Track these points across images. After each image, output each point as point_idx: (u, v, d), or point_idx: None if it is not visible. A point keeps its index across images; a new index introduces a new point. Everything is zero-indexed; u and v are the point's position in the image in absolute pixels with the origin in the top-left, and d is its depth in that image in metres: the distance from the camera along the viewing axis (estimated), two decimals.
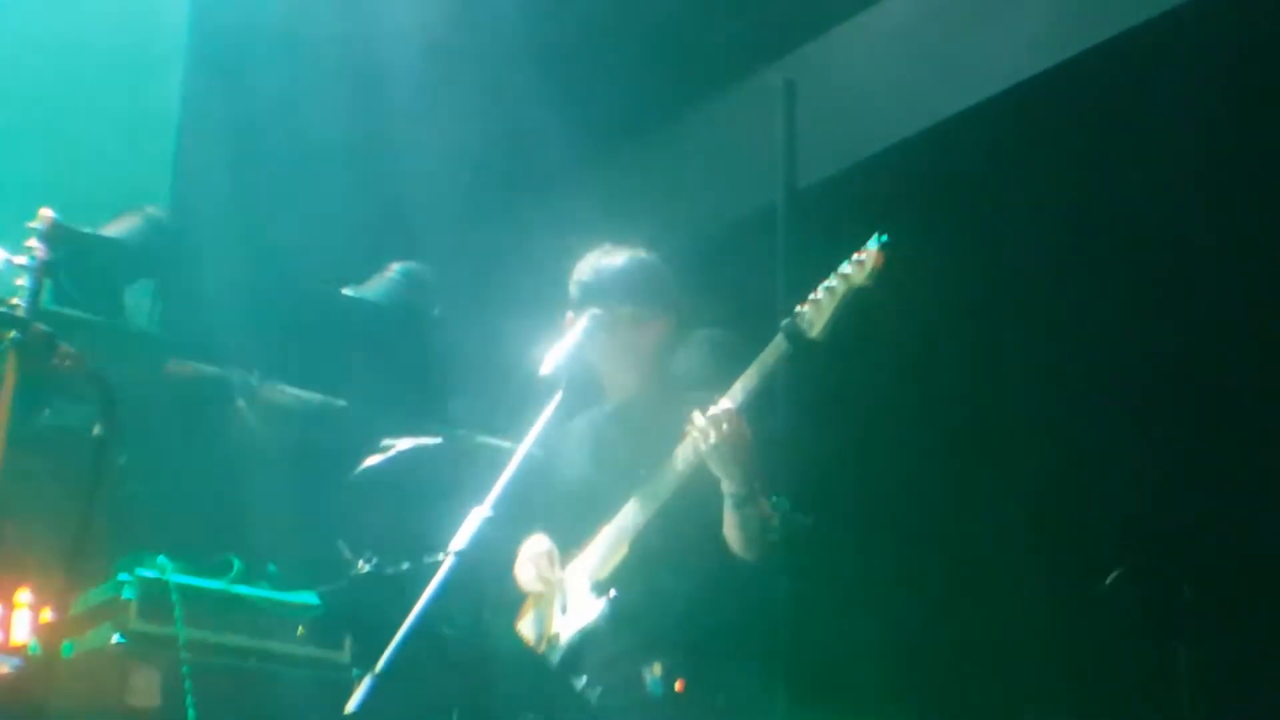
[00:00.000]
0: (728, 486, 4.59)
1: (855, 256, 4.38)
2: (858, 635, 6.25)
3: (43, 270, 5.50)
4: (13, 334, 5.16)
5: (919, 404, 6.49)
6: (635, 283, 4.96)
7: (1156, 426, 5.81)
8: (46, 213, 5.64)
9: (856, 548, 6.19)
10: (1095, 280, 6.11)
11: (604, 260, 5.00)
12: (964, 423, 6.38)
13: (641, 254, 5.05)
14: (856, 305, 4.37)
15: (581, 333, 4.76)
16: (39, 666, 5.41)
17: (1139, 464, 5.79)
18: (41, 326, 5.23)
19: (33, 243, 5.55)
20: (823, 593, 5.95)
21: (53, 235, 5.60)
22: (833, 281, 4.41)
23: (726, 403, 4.50)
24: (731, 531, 4.67)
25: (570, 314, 4.96)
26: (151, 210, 7.39)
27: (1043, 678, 5.82)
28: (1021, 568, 5.97)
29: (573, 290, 4.97)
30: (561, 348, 4.67)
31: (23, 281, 5.48)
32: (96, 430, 4.60)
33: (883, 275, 4.30)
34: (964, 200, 6.48)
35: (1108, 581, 5.19)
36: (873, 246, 4.36)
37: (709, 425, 4.50)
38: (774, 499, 4.75)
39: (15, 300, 5.37)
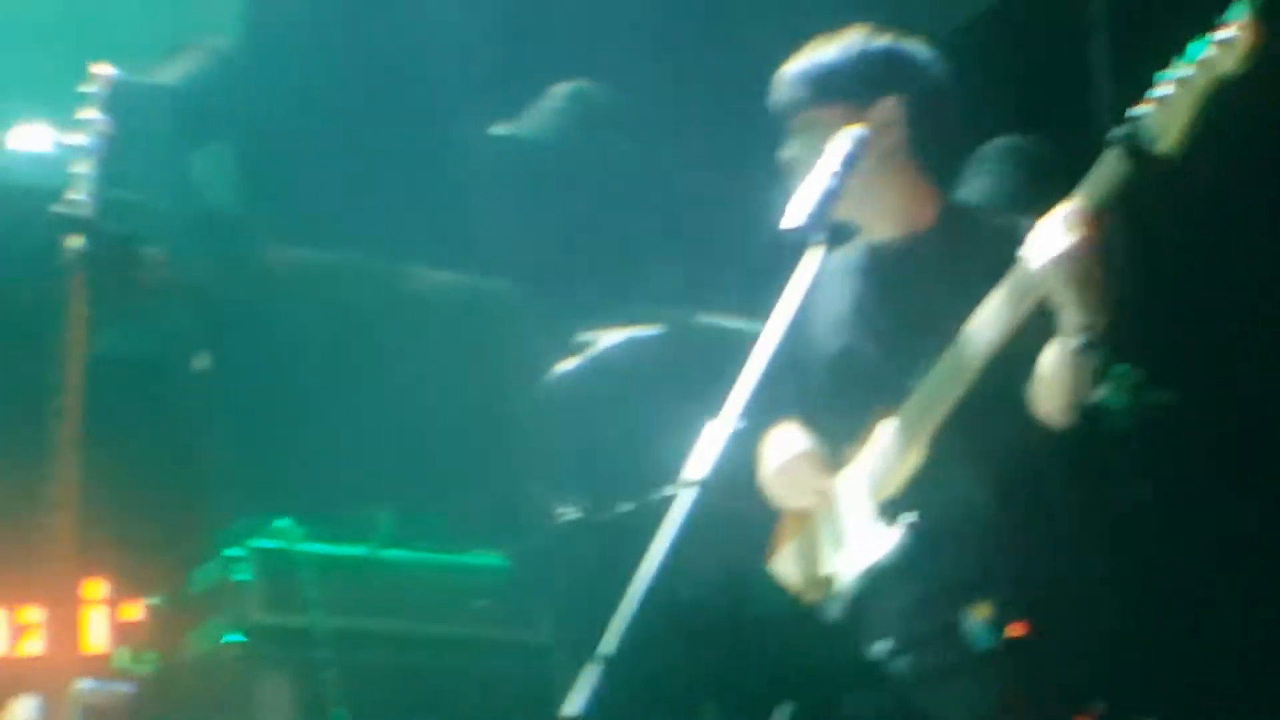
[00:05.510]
0: (1074, 320, 3.92)
1: (1217, 35, 3.70)
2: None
3: (107, 150, 4.50)
4: (79, 242, 4.28)
5: None
6: (845, 71, 4.34)
7: None
8: (104, 69, 4.66)
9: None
10: None
11: (809, 57, 4.42)
12: None
13: (868, 37, 4.43)
14: (1224, 105, 3.69)
15: (843, 158, 3.98)
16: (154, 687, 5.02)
17: None
18: (116, 228, 4.42)
19: (90, 113, 4.53)
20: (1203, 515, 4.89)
21: (116, 100, 4.63)
22: (1186, 70, 3.74)
23: (1080, 202, 3.90)
24: (1053, 390, 4.01)
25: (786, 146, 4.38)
26: (216, 43, 6.55)
27: None
28: None
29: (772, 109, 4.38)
30: (813, 185, 3.89)
31: (82, 167, 4.45)
32: (197, 363, 4.41)
33: (1259, 59, 3.64)
34: None
35: None
36: (1240, 17, 3.67)
37: (1060, 228, 3.90)
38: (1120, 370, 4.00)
39: (76, 193, 4.37)
